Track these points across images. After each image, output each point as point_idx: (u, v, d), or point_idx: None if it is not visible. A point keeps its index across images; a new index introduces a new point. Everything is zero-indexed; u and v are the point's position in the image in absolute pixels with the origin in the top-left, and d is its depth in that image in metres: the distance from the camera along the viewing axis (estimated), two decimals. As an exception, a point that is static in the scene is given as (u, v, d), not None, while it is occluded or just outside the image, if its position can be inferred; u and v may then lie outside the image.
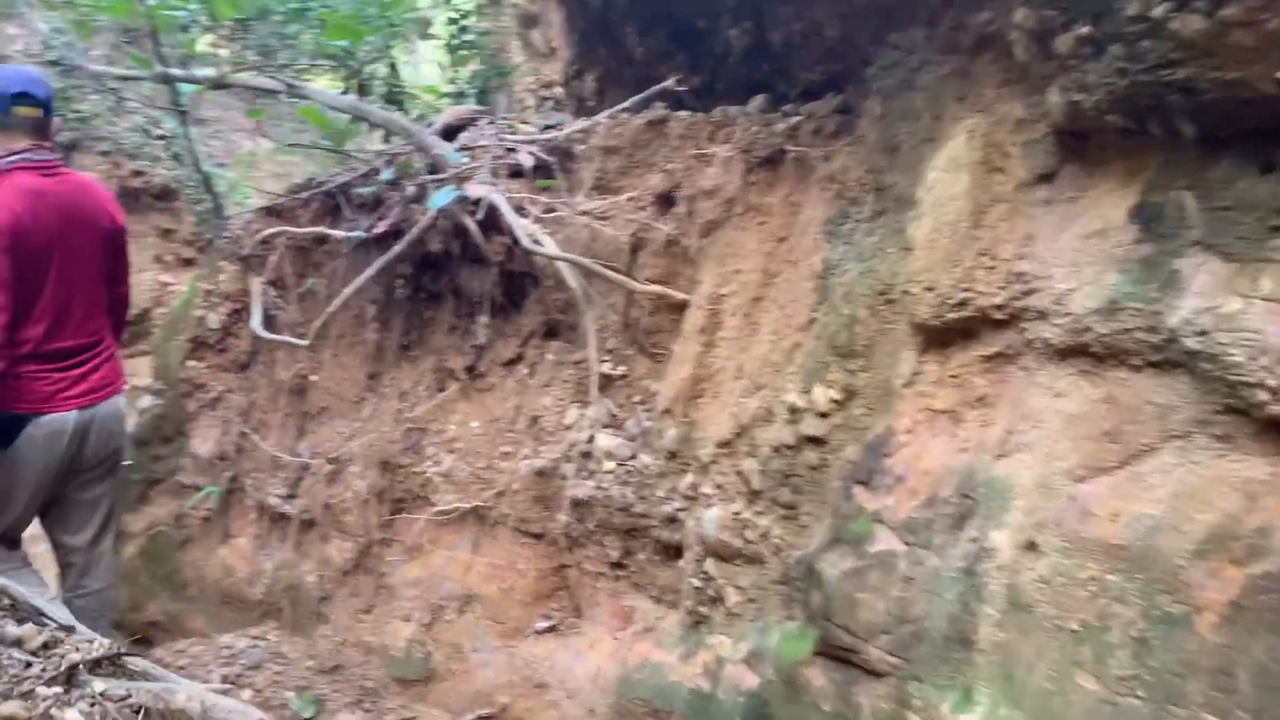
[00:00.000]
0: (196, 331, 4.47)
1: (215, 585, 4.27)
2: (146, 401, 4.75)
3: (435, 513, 3.87)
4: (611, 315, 3.74)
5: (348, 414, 4.23)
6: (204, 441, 4.37)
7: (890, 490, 2.56)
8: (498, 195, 3.61)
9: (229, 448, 4.31)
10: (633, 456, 3.54)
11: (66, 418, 3.39)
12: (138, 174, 7.27)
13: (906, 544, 2.47)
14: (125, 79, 5.22)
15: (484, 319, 3.92)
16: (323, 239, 4.27)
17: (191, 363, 4.47)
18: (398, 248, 3.86)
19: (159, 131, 7.51)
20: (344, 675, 3.93)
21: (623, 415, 3.65)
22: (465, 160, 3.85)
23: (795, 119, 3.31)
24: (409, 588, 3.94)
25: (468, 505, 3.80)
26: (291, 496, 4.15)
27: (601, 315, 3.73)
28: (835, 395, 2.80)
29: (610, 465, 3.55)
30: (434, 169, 3.98)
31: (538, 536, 3.70)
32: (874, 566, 2.51)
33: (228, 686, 1.58)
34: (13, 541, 3.60)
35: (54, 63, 6.70)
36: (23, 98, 3.39)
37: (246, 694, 3.90)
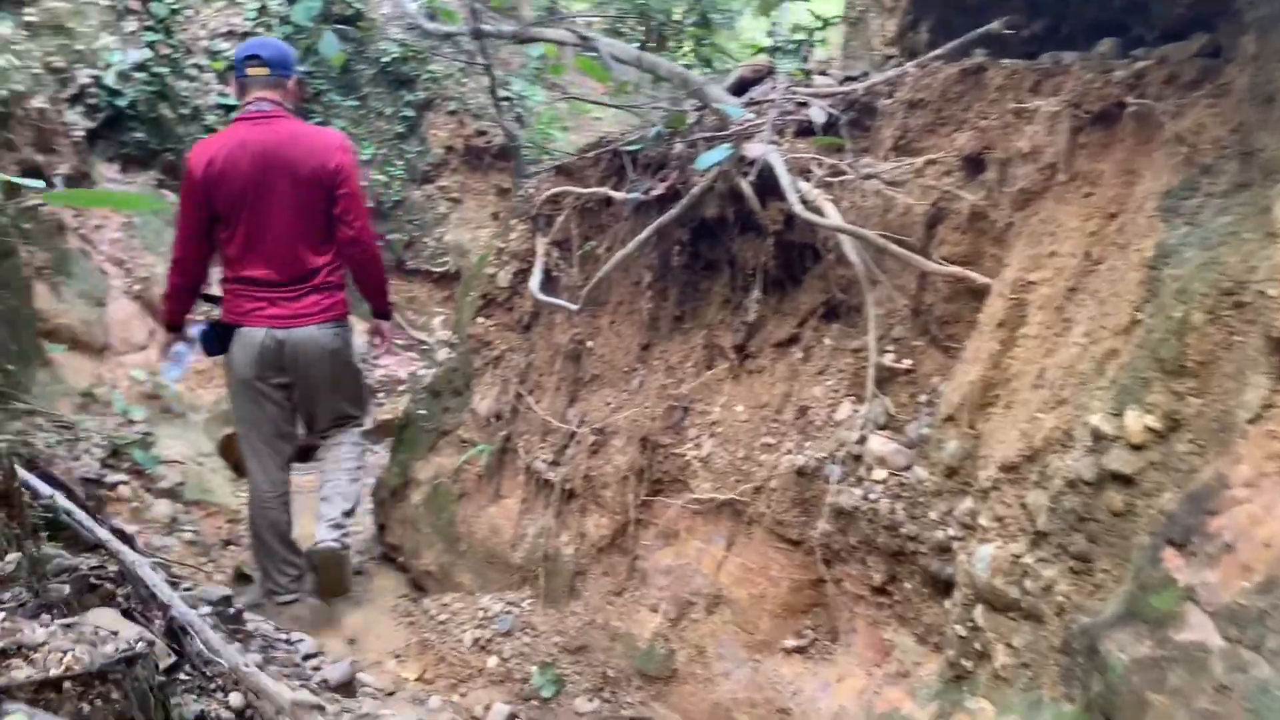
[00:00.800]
0: (487, 289, 4.45)
1: (483, 543, 4.25)
2: (443, 354, 4.84)
3: (691, 500, 3.57)
4: (901, 299, 3.21)
5: (618, 384, 4.01)
6: (483, 399, 4.35)
7: (1213, 561, 1.89)
8: (774, 155, 3.19)
9: (505, 407, 4.26)
10: (907, 467, 3.02)
11: (257, 333, 4.01)
12: (480, 134, 7.55)
13: (1227, 638, 1.81)
14: (448, 36, 5.32)
15: (755, 294, 3.52)
16: (609, 200, 4.07)
17: (480, 319, 4.46)
18: (671, 212, 3.56)
19: (504, 92, 7.74)
20: (588, 658, 3.75)
21: (902, 417, 3.13)
22: (749, 116, 3.46)
23: (1141, 64, 2.60)
24: (660, 575, 3.68)
25: (724, 497, 3.46)
26: (556, 464, 4.02)
27: (888, 298, 3.21)
28: (1154, 423, 2.14)
29: (881, 474, 3.05)
30: (721, 127, 3.63)
31: (795, 543, 3.28)
32: (1177, 660, 1.87)
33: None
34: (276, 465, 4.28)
35: (412, 27, 7.07)
36: (251, 59, 3.99)
37: (492, 661, 3.85)
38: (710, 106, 3.49)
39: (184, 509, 4.49)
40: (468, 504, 4.35)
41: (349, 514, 4.29)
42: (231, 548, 5.25)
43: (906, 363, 3.19)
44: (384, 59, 7.46)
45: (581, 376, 4.12)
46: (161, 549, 3.96)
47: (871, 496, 3.04)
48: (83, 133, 6.12)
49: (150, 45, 6.80)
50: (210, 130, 7.09)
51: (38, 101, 5.67)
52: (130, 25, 6.83)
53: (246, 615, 2.56)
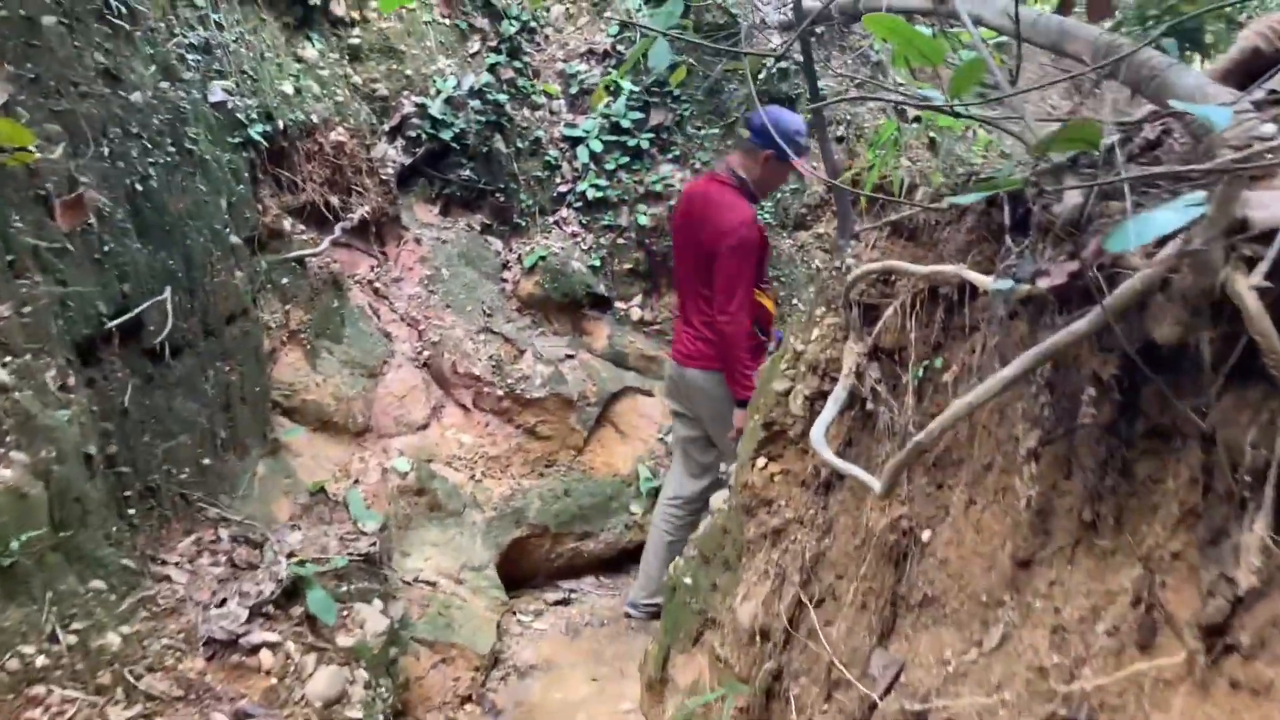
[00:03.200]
0: (773, 414, 2.81)
1: (730, 835, 2.62)
2: (718, 500, 3.28)
3: None
4: None
5: (966, 622, 2.20)
6: (747, 598, 2.71)
7: None
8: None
9: (776, 623, 2.59)
10: None
11: (668, 362, 5.16)
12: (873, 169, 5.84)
13: None
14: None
15: (1260, 526, 1.57)
16: (973, 287, 2.28)
17: (761, 460, 2.84)
18: (1077, 325, 1.73)
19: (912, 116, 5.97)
20: None
21: None
22: (1263, 130, 1.53)
23: None
24: None
25: None
26: (841, 749, 2.29)
27: None
28: None
29: None
30: (1195, 155, 1.72)
31: None
32: None
33: None
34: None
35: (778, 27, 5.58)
36: (745, 124, 4.85)
37: None
38: (1169, 108, 1.61)
39: (368, 678, 3.32)
40: (720, 756, 2.74)
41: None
42: (468, 708, 4.07)
43: None
44: (758, 74, 6.05)
45: (905, 594, 2.36)
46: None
47: None
48: (394, 169, 5.34)
49: (491, 69, 5.93)
50: (550, 167, 6.11)
51: (336, 134, 4.94)
52: (474, 45, 6.03)
53: None
